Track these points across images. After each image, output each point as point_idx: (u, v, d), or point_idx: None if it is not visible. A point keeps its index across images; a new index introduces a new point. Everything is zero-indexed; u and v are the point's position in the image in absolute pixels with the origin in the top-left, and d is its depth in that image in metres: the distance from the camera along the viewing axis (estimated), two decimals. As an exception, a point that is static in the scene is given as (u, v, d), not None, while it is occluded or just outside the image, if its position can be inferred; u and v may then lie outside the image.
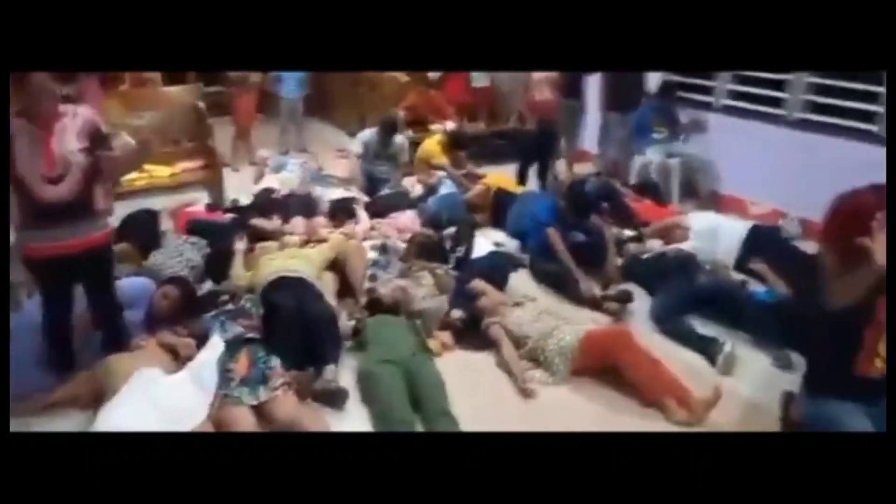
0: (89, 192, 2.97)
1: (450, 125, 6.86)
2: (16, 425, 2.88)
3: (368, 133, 5.98)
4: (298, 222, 4.83)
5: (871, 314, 2.52)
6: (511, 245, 4.98)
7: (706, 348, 3.53)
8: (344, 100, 8.75)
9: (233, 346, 3.14)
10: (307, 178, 5.81)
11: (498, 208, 5.43)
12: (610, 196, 5.30)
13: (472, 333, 3.67)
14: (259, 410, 2.89)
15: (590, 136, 6.90)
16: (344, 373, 3.30)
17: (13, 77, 2.77)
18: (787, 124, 5.44)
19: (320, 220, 4.98)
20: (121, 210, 4.03)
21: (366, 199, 5.53)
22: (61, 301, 3.15)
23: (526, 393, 3.23)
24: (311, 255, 4.01)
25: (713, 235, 4.57)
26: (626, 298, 4.05)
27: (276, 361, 3.09)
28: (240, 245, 4.63)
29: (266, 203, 5.13)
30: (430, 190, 5.50)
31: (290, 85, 7.28)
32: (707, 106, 6.15)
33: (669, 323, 3.80)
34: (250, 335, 3.26)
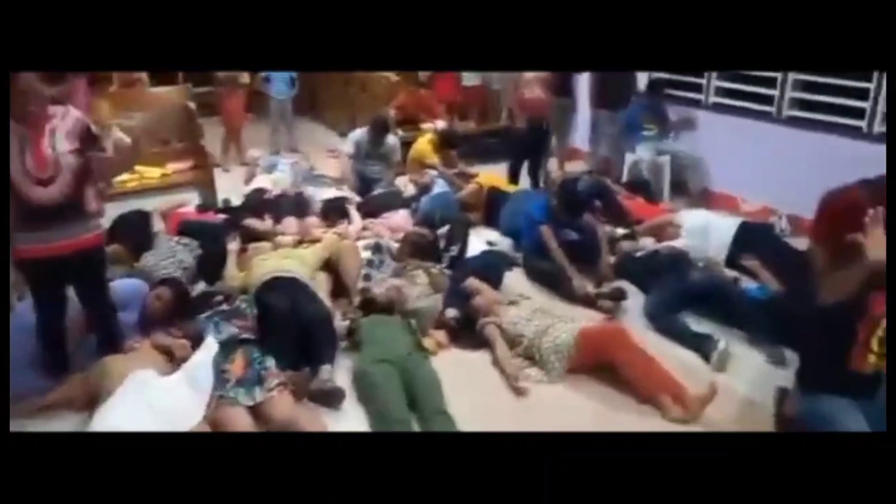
0: (80, 193, 2.96)
1: (440, 124, 6.85)
2: (14, 427, 2.87)
3: (359, 133, 5.97)
4: (291, 222, 4.83)
5: (863, 309, 2.54)
6: (504, 244, 4.99)
7: (700, 345, 3.55)
8: (334, 99, 8.73)
9: (228, 347, 3.13)
10: (299, 178, 5.81)
11: (491, 207, 5.44)
12: (602, 194, 5.32)
13: (467, 332, 3.67)
14: (255, 411, 2.88)
15: (581, 134, 6.93)
16: (339, 373, 3.29)
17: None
18: (777, 121, 5.47)
19: (313, 220, 4.98)
20: (112, 211, 4.00)
21: (358, 198, 5.52)
22: (53, 303, 3.13)
23: (518, 392, 3.24)
24: (304, 256, 4.00)
25: (705, 233, 4.59)
26: (619, 296, 4.07)
27: (271, 362, 3.08)
28: (232, 246, 4.64)
29: (258, 203, 5.12)
30: (423, 189, 5.49)
31: (280, 85, 7.27)
32: (697, 103, 6.17)
33: (663, 320, 3.82)
34: (245, 336, 3.25)
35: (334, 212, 5.14)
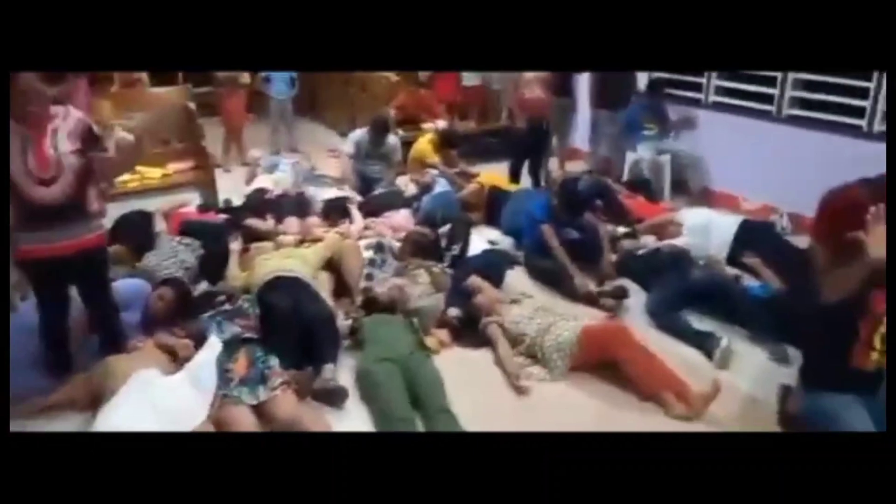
0: (82, 193, 2.96)
1: (441, 124, 6.86)
2: (13, 428, 2.87)
3: (360, 133, 5.97)
4: (292, 222, 4.83)
5: (865, 307, 2.55)
6: (505, 243, 5.00)
7: (703, 343, 3.56)
8: (334, 99, 8.74)
9: (231, 347, 3.13)
10: (300, 178, 5.81)
11: (492, 206, 5.44)
12: (603, 193, 5.33)
13: (470, 331, 3.68)
14: (259, 410, 2.89)
15: (581, 134, 6.93)
16: (342, 372, 3.29)
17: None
18: (777, 120, 5.48)
19: (314, 220, 4.98)
20: (113, 212, 4.00)
21: (359, 198, 5.52)
22: (56, 303, 3.14)
23: (520, 391, 3.24)
24: (306, 255, 4.00)
25: (706, 231, 4.60)
26: (621, 294, 4.07)
27: (274, 361, 3.09)
28: (234, 245, 4.64)
29: (259, 203, 5.13)
30: (424, 189, 5.50)
31: (280, 85, 7.27)
32: (696, 102, 6.18)
33: (665, 318, 3.82)
34: (248, 335, 3.25)
35: (336, 211, 5.15)
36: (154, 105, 5.53)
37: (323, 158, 7.13)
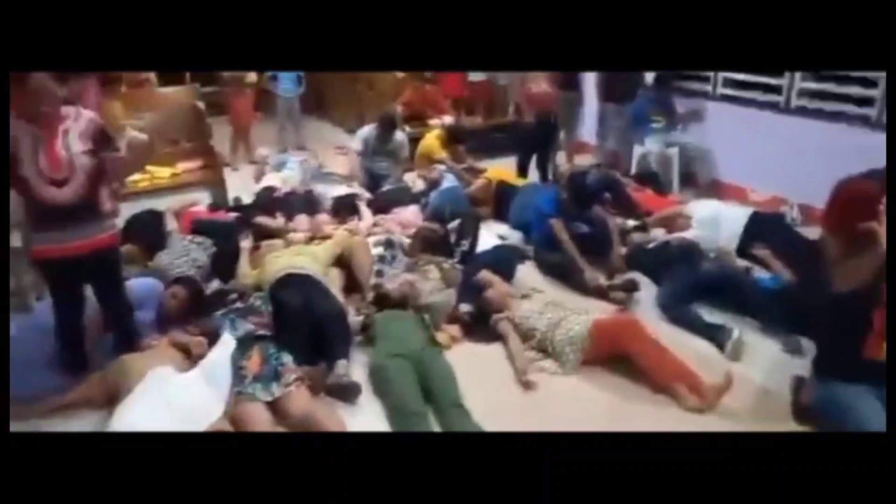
0: (94, 193, 2.98)
1: (448, 120, 6.87)
2: (30, 427, 2.90)
3: (367, 130, 5.99)
4: (302, 220, 4.86)
5: (878, 298, 2.55)
6: (514, 237, 5.00)
7: (714, 335, 3.55)
8: (341, 97, 8.76)
9: (244, 344, 3.16)
10: (308, 176, 5.83)
11: (500, 201, 5.45)
12: (611, 187, 5.32)
13: (481, 326, 3.69)
14: (273, 406, 2.91)
15: (588, 127, 6.92)
16: (355, 367, 3.31)
17: (14, 79, 2.77)
18: (785, 111, 5.46)
19: (323, 217, 5.00)
20: (123, 211, 4.02)
21: (368, 195, 5.54)
22: (71, 303, 3.16)
23: (526, 386, 3.25)
24: (316, 252, 4.02)
25: (715, 223, 4.59)
26: (631, 287, 4.07)
27: (287, 358, 3.11)
28: (245, 243, 4.67)
29: (268, 201, 5.15)
30: (432, 184, 5.50)
31: (287, 83, 7.30)
32: (704, 95, 6.17)
33: (676, 311, 3.82)
34: (261, 332, 3.27)
35: (344, 208, 5.17)
36: (162, 105, 5.56)
37: (330, 156, 7.15)
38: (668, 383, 3.11)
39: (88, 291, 3.21)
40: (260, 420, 2.80)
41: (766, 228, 4.51)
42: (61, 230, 2.93)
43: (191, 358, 3.19)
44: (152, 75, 6.08)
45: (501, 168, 6.11)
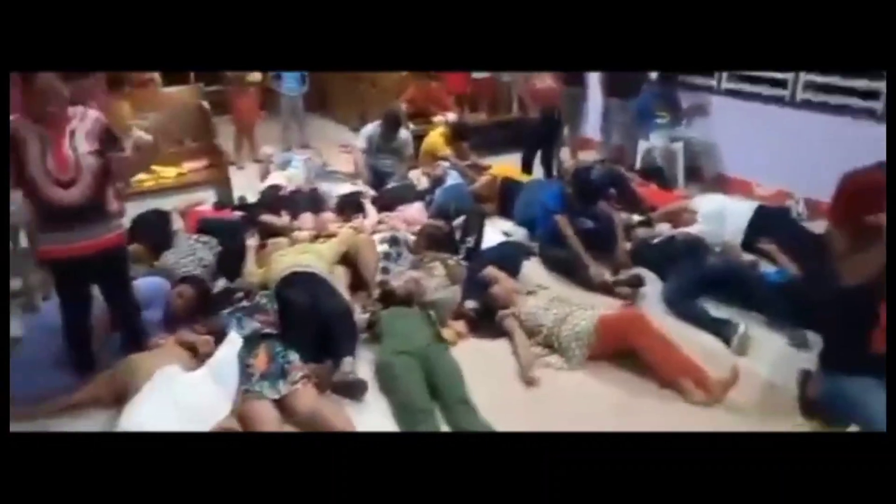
0: (101, 194, 2.99)
1: (451, 117, 6.87)
2: (38, 426, 2.92)
3: (371, 127, 5.99)
4: (307, 218, 4.86)
5: (884, 291, 2.53)
6: (519, 234, 5.00)
7: (720, 330, 3.55)
8: (344, 95, 8.76)
9: (251, 342, 3.17)
10: (312, 175, 5.84)
11: (505, 198, 5.44)
12: (616, 182, 5.31)
13: (486, 323, 3.69)
14: (281, 404, 2.92)
15: (592, 123, 6.91)
16: (361, 365, 3.31)
17: (21, 79, 2.78)
18: (790, 105, 5.44)
19: (329, 216, 5.01)
20: (129, 211, 4.05)
21: (372, 193, 5.54)
22: (78, 303, 3.17)
23: (529, 382, 3.25)
24: (322, 250, 4.03)
25: (720, 217, 4.59)
26: (637, 283, 4.07)
27: (294, 356, 3.12)
28: (250, 242, 4.68)
29: (273, 200, 5.16)
30: (437, 181, 5.50)
31: (291, 82, 7.30)
32: (709, 89, 6.15)
33: (682, 306, 3.82)
34: (267, 331, 3.28)
35: (349, 206, 5.17)
36: (167, 105, 5.57)
37: (334, 154, 7.16)
38: (674, 378, 3.11)
39: (95, 291, 3.22)
40: (267, 418, 2.81)
41: (771, 222, 4.51)
42: (68, 231, 2.94)
43: (198, 357, 3.21)
44: (156, 75, 6.09)
45: (506, 164, 6.11)
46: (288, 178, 5.53)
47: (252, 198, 5.50)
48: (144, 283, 3.64)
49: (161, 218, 4.51)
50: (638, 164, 6.19)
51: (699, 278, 3.97)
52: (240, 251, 4.46)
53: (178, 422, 2.72)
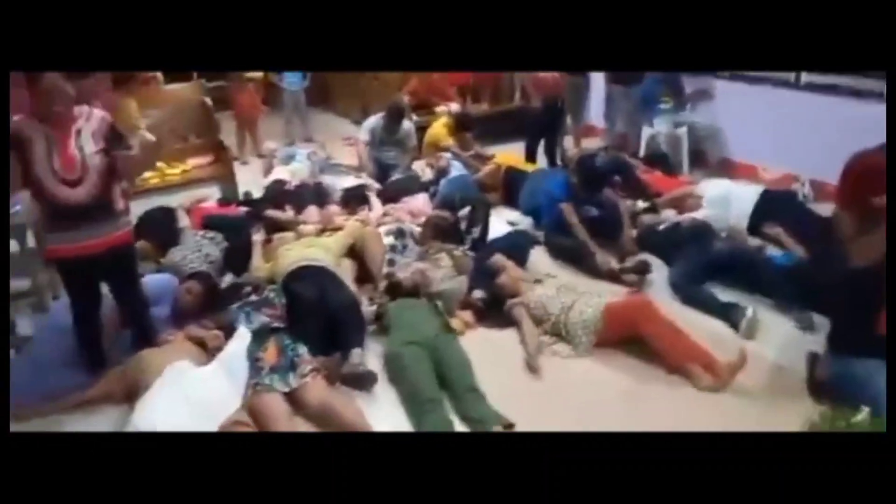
0: (108, 193, 3.00)
1: (454, 107, 6.85)
2: (49, 425, 2.94)
3: (374, 120, 5.98)
4: (312, 211, 4.87)
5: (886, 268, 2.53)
6: (524, 223, 5.00)
7: (728, 314, 3.55)
8: (346, 88, 8.75)
9: (260, 336, 3.19)
10: (316, 168, 5.84)
11: (510, 187, 5.45)
12: (620, 169, 5.30)
13: (494, 312, 3.70)
14: (291, 397, 2.94)
15: (596, 110, 6.89)
16: (369, 357, 3.32)
17: (27, 79, 2.79)
18: (795, 87, 5.41)
19: (334, 209, 5.02)
20: (134, 209, 4.06)
21: (377, 185, 5.54)
22: (88, 300, 3.19)
23: (533, 370, 3.26)
24: (328, 244, 4.04)
25: (726, 202, 4.57)
26: (644, 269, 4.07)
27: (303, 349, 3.13)
28: (256, 237, 4.70)
29: (278, 194, 5.16)
30: (441, 173, 5.50)
31: (292, 77, 7.29)
32: (712, 73, 6.11)
33: (689, 291, 3.82)
34: (276, 324, 3.30)
35: (354, 199, 5.18)
36: (170, 102, 5.58)
37: (338, 147, 7.15)
38: (681, 364, 3.12)
39: (104, 289, 3.24)
40: (278, 411, 2.83)
41: (777, 206, 4.49)
42: (76, 230, 2.95)
43: (207, 352, 3.23)
44: (158, 73, 6.09)
45: (509, 154, 6.10)
46: (292, 172, 5.54)
47: (257, 193, 5.51)
48: (152, 280, 3.66)
49: (167, 215, 4.52)
50: (642, 151, 6.17)
51: (705, 263, 3.97)
52: (246, 246, 4.48)
53: (190, 417, 2.73)
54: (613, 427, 2.74)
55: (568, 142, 6.67)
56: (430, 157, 5.91)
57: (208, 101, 5.61)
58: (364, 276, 4.08)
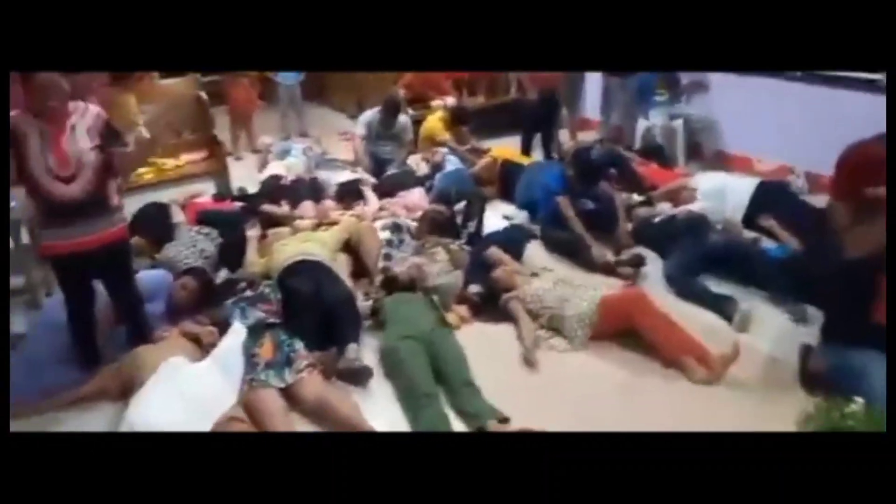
0: (102, 189, 2.99)
1: (450, 101, 6.83)
2: (44, 422, 2.94)
3: (370, 114, 5.96)
4: (308, 206, 4.87)
5: (885, 262, 2.54)
6: (520, 217, 5.00)
7: (722, 307, 3.55)
8: (341, 82, 8.71)
9: (256, 332, 3.18)
10: (312, 163, 5.82)
11: (506, 180, 5.43)
12: (616, 162, 5.30)
13: (490, 306, 3.70)
14: (287, 392, 2.94)
15: (591, 103, 6.87)
16: (365, 352, 3.33)
17: (21, 74, 2.77)
18: (790, 78, 5.40)
19: (329, 204, 5.01)
20: (128, 205, 4.04)
21: (373, 180, 5.53)
22: (82, 297, 3.18)
23: (530, 364, 3.27)
24: (323, 238, 4.04)
25: (721, 195, 4.58)
26: (639, 262, 4.07)
27: (299, 344, 3.14)
28: (251, 233, 4.69)
29: (274, 190, 5.15)
30: (436, 167, 5.49)
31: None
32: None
33: (684, 284, 3.82)
34: (272, 320, 3.30)
35: (350, 194, 5.17)
36: (164, 97, 5.54)
37: (334, 142, 7.14)
38: (676, 356, 3.13)
39: (99, 285, 3.23)
40: (274, 406, 2.83)
41: (772, 198, 4.50)
42: (70, 226, 2.94)
43: (202, 348, 3.21)
44: (152, 67, 6.05)
45: (505, 147, 6.09)
46: (287, 167, 5.52)
47: (252, 188, 5.49)
48: (147, 276, 3.65)
49: (161, 211, 4.50)
50: (638, 143, 6.16)
51: (700, 256, 3.97)
52: (240, 242, 4.47)
53: (185, 413, 2.73)
54: (609, 420, 2.75)
55: (563, 135, 6.66)
56: (426, 152, 5.90)
57: (203, 95, 5.58)
58: (360, 270, 4.07)
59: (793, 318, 3.50)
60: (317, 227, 4.46)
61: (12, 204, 3.67)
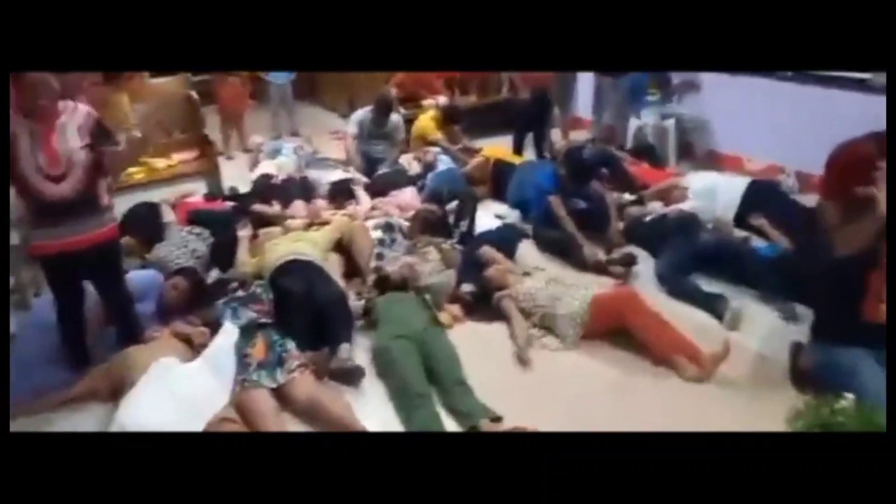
0: (92, 188, 2.97)
1: (442, 100, 6.83)
2: (39, 421, 2.92)
3: (362, 113, 5.95)
4: (299, 206, 4.85)
5: (875, 260, 2.56)
6: (512, 216, 5.01)
7: (713, 305, 3.57)
8: (333, 82, 8.70)
9: (248, 332, 3.17)
10: (303, 163, 5.81)
11: (498, 180, 5.44)
12: (608, 161, 5.31)
13: (482, 306, 3.71)
14: (279, 392, 2.93)
15: (583, 102, 6.89)
16: (357, 352, 3.32)
17: (12, 73, 2.75)
18: (781, 78, 5.42)
19: (321, 203, 5.00)
20: (119, 204, 4.02)
21: (365, 179, 5.52)
22: (72, 297, 3.16)
23: (523, 362, 3.28)
24: (315, 238, 4.03)
25: (712, 194, 4.60)
26: (630, 261, 4.09)
27: (291, 344, 3.13)
28: (243, 232, 4.67)
29: (265, 189, 5.14)
30: (428, 166, 5.49)
31: (278, 69, 7.22)
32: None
33: (675, 283, 3.84)
34: (263, 320, 3.29)
35: (341, 193, 5.15)
36: (155, 96, 5.52)
37: (325, 141, 7.12)
38: (667, 355, 3.14)
39: (89, 285, 3.21)
40: (265, 407, 2.82)
41: (763, 197, 4.52)
42: (60, 225, 2.92)
43: (194, 348, 3.20)
44: (143, 66, 6.02)
45: (497, 146, 6.09)
46: (278, 166, 5.51)
47: (243, 188, 5.48)
48: (137, 276, 3.63)
49: (152, 210, 4.48)
50: (629, 143, 6.18)
51: (691, 255, 3.99)
52: (231, 242, 4.46)
53: (176, 413, 2.71)
54: (601, 418, 2.76)
55: (555, 134, 6.67)
56: (418, 151, 5.90)
57: (194, 95, 5.55)
58: (352, 270, 4.07)
59: (783, 316, 3.52)
60: (308, 226, 4.45)
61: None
